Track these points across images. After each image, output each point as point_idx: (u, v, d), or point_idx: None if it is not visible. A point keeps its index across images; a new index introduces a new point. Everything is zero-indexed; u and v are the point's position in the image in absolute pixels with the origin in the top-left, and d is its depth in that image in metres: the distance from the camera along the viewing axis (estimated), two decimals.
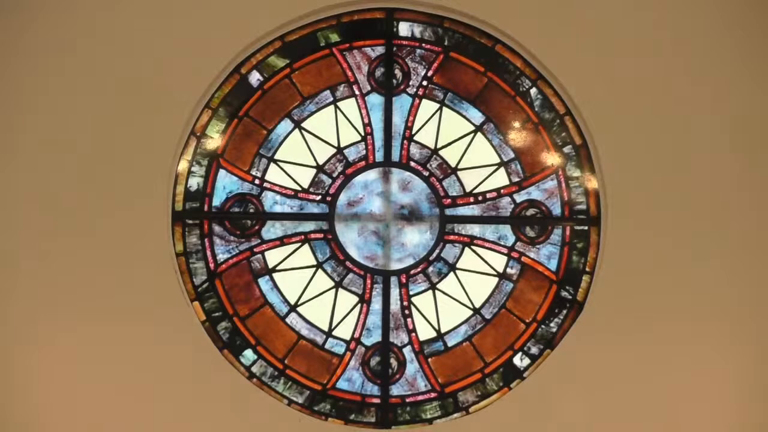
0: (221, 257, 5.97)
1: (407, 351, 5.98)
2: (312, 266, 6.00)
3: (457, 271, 6.01)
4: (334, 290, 6.00)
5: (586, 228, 6.02)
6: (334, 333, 5.97)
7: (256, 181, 6.02)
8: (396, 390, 5.95)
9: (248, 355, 5.91)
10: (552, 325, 5.96)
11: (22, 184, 5.71)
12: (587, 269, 5.97)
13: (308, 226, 6.00)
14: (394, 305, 5.99)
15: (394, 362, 5.97)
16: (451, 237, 6.02)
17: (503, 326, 5.98)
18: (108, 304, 5.63)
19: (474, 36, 6.10)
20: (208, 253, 5.95)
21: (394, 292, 5.99)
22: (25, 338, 5.61)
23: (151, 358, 5.62)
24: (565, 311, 5.96)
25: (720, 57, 5.88)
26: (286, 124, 6.07)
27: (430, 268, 6.01)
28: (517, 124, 6.10)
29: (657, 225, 5.78)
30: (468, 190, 6.06)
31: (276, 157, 6.05)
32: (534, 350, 5.95)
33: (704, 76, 5.87)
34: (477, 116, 6.10)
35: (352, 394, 5.93)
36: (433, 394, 5.94)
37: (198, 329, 5.81)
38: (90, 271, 5.65)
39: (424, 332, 5.99)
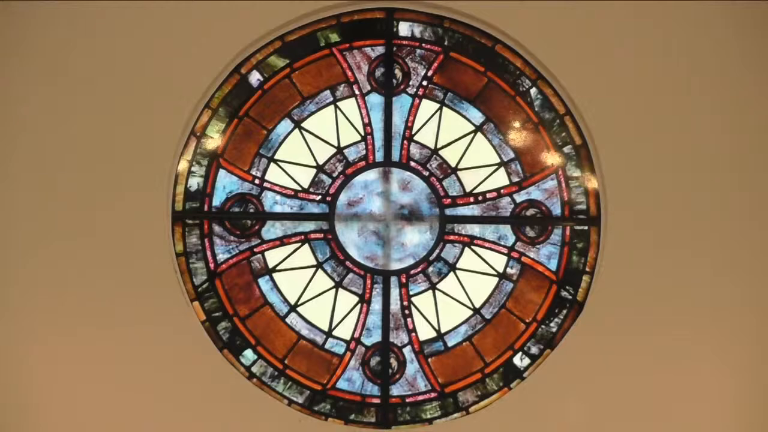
0: (221, 257, 5.97)
1: (407, 351, 5.98)
2: (312, 266, 6.00)
3: (457, 271, 6.01)
4: (334, 290, 6.00)
5: (586, 228, 6.02)
6: (334, 333, 5.97)
7: (256, 181, 6.02)
8: (396, 390, 5.95)
9: (248, 355, 5.91)
10: (552, 325, 5.96)
11: (22, 184, 5.71)
12: (587, 269, 5.97)
13: (308, 226, 6.00)
14: (394, 305, 5.99)
15: (394, 362, 5.97)
16: (451, 237, 6.02)
17: (503, 326, 5.98)
18: (108, 304, 5.63)
19: (474, 36, 6.10)
20: (208, 253, 5.96)
21: (394, 292, 5.99)
22: (25, 338, 5.61)
23: (151, 358, 5.62)
24: (565, 311, 5.96)
25: (720, 57, 5.88)
26: (286, 124, 6.07)
27: (430, 268, 6.01)
28: (517, 124, 6.10)
29: (657, 225, 5.78)
30: (468, 190, 6.06)
31: (276, 157, 6.05)
32: (534, 350, 5.95)
33: (704, 76, 5.87)
34: (477, 116, 6.10)
35: (352, 394, 5.93)
36: (433, 394, 5.94)
37: (198, 329, 5.81)
38: (90, 271, 5.65)
39: (424, 332, 5.99)
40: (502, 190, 6.07)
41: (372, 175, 6.06)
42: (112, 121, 5.76)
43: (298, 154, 6.07)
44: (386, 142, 6.07)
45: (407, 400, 5.94)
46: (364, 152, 6.08)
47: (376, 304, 5.99)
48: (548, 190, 6.07)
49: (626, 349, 5.70)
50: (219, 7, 5.86)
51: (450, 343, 5.98)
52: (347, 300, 6.00)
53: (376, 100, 6.12)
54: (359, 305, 5.99)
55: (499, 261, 6.03)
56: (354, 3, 6.06)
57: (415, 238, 6.02)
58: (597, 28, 5.89)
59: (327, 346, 5.96)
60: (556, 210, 6.06)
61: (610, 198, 5.88)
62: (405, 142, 6.08)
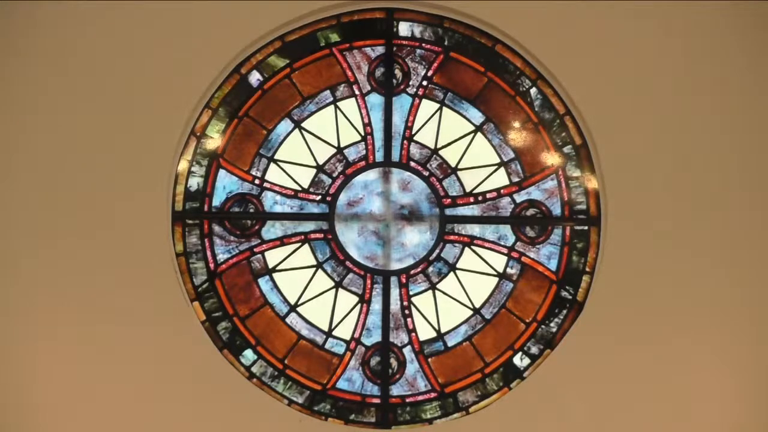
0: (221, 257, 5.97)
1: (407, 351, 5.98)
2: (312, 266, 6.00)
3: (457, 271, 6.01)
4: (334, 290, 6.00)
5: (586, 228, 6.02)
6: (334, 333, 5.97)
7: (256, 181, 6.02)
8: (396, 390, 5.95)
9: (248, 355, 5.91)
10: (552, 325, 5.96)
11: (22, 184, 5.71)
12: (587, 269, 5.97)
13: (308, 226, 6.00)
14: (394, 305, 5.99)
15: (394, 362, 5.97)
16: (451, 237, 6.02)
17: (503, 326, 5.98)
18: (108, 304, 5.63)
19: (474, 36, 6.10)
20: (208, 253, 5.96)
21: (394, 292, 5.99)
22: (26, 338, 5.61)
23: (151, 358, 5.62)
24: (565, 311, 5.96)
25: (720, 57, 5.87)
26: (286, 124, 6.07)
27: (430, 268, 6.01)
28: (517, 124, 6.10)
29: (657, 225, 5.78)
30: (468, 190, 6.06)
31: (276, 157, 6.05)
32: (534, 350, 5.95)
33: (704, 76, 5.87)
34: (477, 116, 6.10)
35: (352, 394, 5.93)
36: (433, 394, 5.94)
37: (198, 329, 5.81)
38: (90, 271, 5.65)
39: (424, 332, 5.99)
40: (502, 190, 6.07)
41: (372, 175, 6.06)
42: (112, 122, 5.76)
43: (298, 154, 6.07)
44: (386, 142, 6.07)
45: (407, 400, 5.94)
46: (364, 152, 6.08)
47: (376, 304, 5.99)
48: (548, 190, 6.07)
49: (626, 349, 5.70)
50: (219, 7, 5.86)
51: (450, 343, 5.98)
52: (347, 300, 6.00)
53: (376, 100, 6.12)
54: (359, 305, 5.99)
55: (499, 261, 6.03)
56: (354, 3, 6.06)
57: (415, 238, 6.02)
58: (597, 28, 5.89)
59: (327, 346, 5.96)
60: (556, 210, 6.06)
61: (610, 198, 5.88)
62: (405, 142, 6.08)
